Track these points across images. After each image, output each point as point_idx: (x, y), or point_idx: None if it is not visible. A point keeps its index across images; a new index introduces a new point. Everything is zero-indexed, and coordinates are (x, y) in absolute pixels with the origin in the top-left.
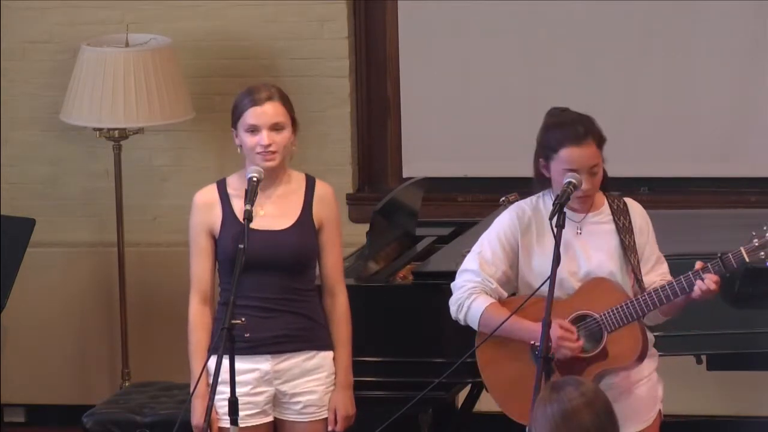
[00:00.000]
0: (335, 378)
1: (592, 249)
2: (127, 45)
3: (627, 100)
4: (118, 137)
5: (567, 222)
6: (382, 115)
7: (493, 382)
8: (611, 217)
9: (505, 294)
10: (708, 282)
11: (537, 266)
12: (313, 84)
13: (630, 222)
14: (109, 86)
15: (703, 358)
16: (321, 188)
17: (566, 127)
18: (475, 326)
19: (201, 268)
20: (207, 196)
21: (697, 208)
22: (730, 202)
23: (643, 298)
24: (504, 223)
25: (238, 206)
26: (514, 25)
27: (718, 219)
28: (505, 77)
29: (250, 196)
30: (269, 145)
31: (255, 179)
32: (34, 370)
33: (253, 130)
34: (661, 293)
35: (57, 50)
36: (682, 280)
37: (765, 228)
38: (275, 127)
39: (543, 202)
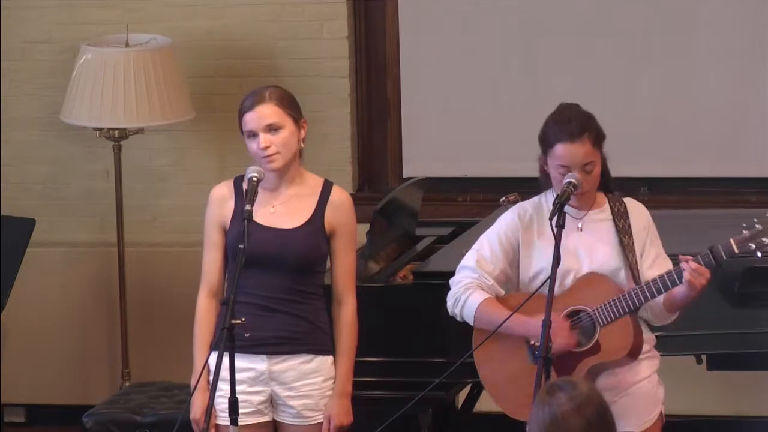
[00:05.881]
0: (333, 385)
1: (595, 246)
2: (127, 45)
3: (627, 100)
4: (118, 137)
5: (568, 219)
6: (382, 115)
7: (489, 377)
8: (611, 217)
9: (503, 292)
10: (696, 267)
11: (537, 265)
12: (313, 84)
13: (629, 225)
14: (109, 86)
15: (703, 358)
16: (337, 195)
17: (562, 124)
18: (470, 321)
19: (211, 261)
20: (222, 190)
21: (697, 208)
22: (730, 202)
23: (635, 290)
24: (505, 221)
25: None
26: (515, 25)
27: (718, 219)
28: (505, 77)
29: (250, 195)
30: (267, 147)
31: (255, 179)
32: (34, 370)
33: (251, 135)
34: (651, 285)
35: (57, 50)
36: (673, 272)
37: (755, 220)
38: (270, 129)
39: (546, 201)
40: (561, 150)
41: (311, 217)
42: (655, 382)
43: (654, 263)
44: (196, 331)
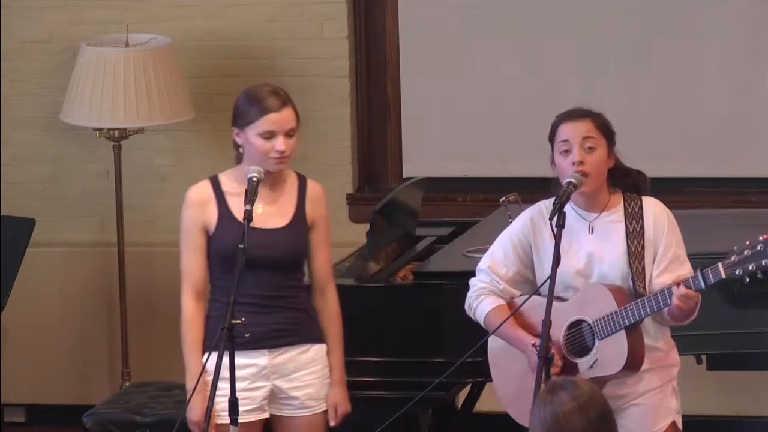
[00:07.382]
0: (330, 373)
1: (605, 252)
2: (127, 45)
3: (626, 100)
4: (118, 137)
5: (579, 221)
6: (382, 115)
7: (500, 382)
8: (624, 219)
9: (517, 293)
10: (685, 293)
11: (549, 267)
12: (313, 84)
13: (642, 226)
14: (109, 86)
15: (703, 358)
16: (313, 188)
17: (566, 112)
18: (483, 326)
19: (195, 263)
20: (202, 192)
21: (696, 208)
22: (730, 202)
23: (631, 307)
24: (517, 224)
25: (234, 204)
26: (514, 26)
27: (718, 219)
28: (505, 77)
29: (250, 196)
30: (284, 151)
31: (255, 179)
32: (34, 370)
33: (269, 136)
34: (646, 303)
35: (57, 50)
36: (666, 293)
37: (747, 243)
38: (290, 133)
39: None
40: (562, 128)
41: (295, 214)
42: (669, 392)
43: (665, 270)
44: (186, 333)
